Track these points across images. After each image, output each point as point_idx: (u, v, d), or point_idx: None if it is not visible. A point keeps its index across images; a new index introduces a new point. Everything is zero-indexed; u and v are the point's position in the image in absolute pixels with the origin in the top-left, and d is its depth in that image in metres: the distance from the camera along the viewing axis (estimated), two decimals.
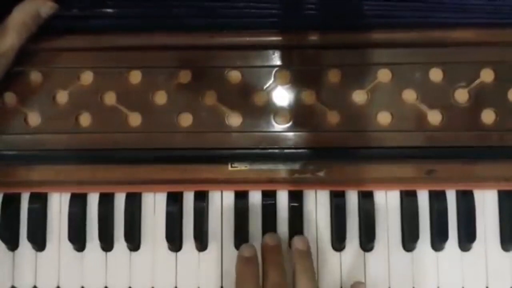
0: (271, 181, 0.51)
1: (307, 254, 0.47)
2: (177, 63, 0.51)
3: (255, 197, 0.51)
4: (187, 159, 0.50)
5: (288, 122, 0.49)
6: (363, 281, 0.50)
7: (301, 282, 0.45)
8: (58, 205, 0.52)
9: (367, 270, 0.50)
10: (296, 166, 0.50)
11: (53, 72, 0.51)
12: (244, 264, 0.47)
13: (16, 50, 0.48)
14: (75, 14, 0.52)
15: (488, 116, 0.49)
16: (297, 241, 0.48)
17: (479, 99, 0.49)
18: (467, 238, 0.49)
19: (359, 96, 0.50)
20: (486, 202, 0.50)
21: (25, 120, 0.51)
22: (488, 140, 0.48)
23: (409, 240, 0.50)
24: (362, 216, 0.50)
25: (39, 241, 0.51)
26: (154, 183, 0.51)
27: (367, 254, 0.50)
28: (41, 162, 0.51)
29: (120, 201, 0.51)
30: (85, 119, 0.50)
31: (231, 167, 0.50)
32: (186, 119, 0.50)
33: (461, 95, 0.49)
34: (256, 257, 0.47)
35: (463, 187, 0.50)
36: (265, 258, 0.47)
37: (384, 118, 0.49)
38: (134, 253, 0.51)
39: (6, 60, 0.48)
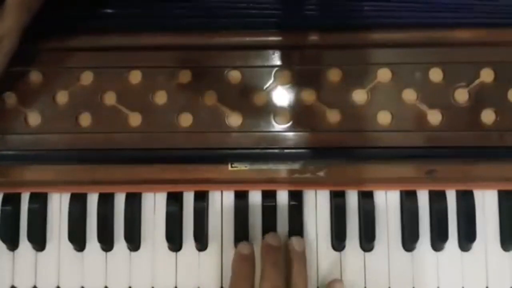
0: (271, 181, 0.51)
1: (303, 256, 0.48)
2: (177, 63, 0.51)
3: (255, 197, 0.51)
4: (187, 159, 0.50)
5: (288, 122, 0.49)
6: (362, 281, 0.50)
7: (298, 284, 0.45)
8: (58, 205, 0.52)
9: (367, 270, 0.50)
10: (296, 166, 0.50)
11: (53, 72, 0.51)
12: (242, 261, 0.48)
13: (18, 31, 0.46)
14: (75, 14, 0.52)
15: (488, 116, 0.49)
16: (295, 242, 0.48)
17: (479, 99, 0.49)
18: (467, 238, 0.49)
19: (359, 96, 0.50)
20: (486, 202, 0.50)
21: (25, 120, 0.51)
22: (488, 140, 0.48)
23: (409, 240, 0.50)
24: (362, 216, 0.50)
25: (39, 241, 0.51)
26: (154, 183, 0.51)
27: (367, 254, 0.50)
28: (41, 162, 0.51)
29: (120, 201, 0.51)
30: (85, 119, 0.50)
31: (231, 167, 0.50)
32: (186, 119, 0.50)
33: (461, 95, 0.49)
34: (254, 256, 0.48)
35: (463, 187, 0.50)
36: (265, 258, 0.47)
37: (384, 118, 0.49)
38: (134, 253, 0.51)
39: (9, 41, 0.46)
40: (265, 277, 0.45)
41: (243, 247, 0.48)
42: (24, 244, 0.52)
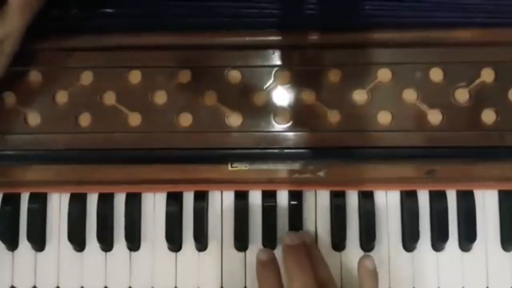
0: (271, 181, 0.51)
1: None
2: (177, 63, 0.51)
3: (255, 197, 0.51)
4: (187, 159, 0.50)
5: (288, 122, 0.49)
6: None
7: None
8: (58, 205, 0.52)
9: None
10: (296, 166, 0.50)
11: (53, 72, 0.51)
12: (264, 267, 0.47)
13: (21, 32, 0.46)
14: (75, 14, 0.52)
15: (488, 116, 0.49)
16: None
17: (479, 99, 0.49)
18: (467, 238, 0.49)
19: (359, 96, 0.49)
20: (486, 202, 0.50)
21: (25, 120, 0.51)
22: (488, 140, 0.48)
23: (409, 240, 0.50)
24: (362, 216, 0.50)
25: (38, 241, 0.51)
26: (154, 183, 0.51)
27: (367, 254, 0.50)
28: (41, 162, 0.51)
29: (120, 201, 0.51)
30: (85, 119, 0.50)
31: (231, 167, 0.50)
32: (186, 119, 0.50)
33: (462, 95, 0.49)
34: (275, 259, 0.47)
35: (463, 187, 0.50)
36: (288, 259, 0.46)
37: (384, 118, 0.49)
38: (134, 253, 0.51)
39: (11, 42, 0.46)
40: (293, 278, 0.44)
41: (262, 253, 0.48)
42: (24, 244, 0.51)
